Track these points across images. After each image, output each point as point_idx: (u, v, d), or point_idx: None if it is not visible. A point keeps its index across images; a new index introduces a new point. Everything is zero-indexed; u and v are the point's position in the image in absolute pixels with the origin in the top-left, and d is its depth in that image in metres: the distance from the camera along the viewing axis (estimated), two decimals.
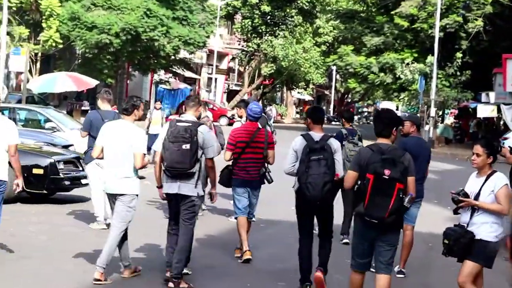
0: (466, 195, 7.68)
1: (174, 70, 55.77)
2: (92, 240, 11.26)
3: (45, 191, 14.20)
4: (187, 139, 8.56)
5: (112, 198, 9.09)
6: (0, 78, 29.55)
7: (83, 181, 14.44)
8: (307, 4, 62.08)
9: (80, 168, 14.55)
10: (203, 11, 50.30)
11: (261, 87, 72.04)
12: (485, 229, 7.67)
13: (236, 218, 10.76)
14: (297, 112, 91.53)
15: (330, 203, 8.98)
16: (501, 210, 7.65)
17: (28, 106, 22.38)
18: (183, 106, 10.38)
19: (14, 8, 40.90)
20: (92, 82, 36.15)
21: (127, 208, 8.98)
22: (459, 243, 7.65)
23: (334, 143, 8.92)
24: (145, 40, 44.39)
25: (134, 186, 9.03)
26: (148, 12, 44.12)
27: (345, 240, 11.95)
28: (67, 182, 14.21)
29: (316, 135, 8.89)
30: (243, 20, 63.78)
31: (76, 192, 15.18)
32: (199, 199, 8.90)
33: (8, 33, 38.32)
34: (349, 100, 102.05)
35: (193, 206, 8.83)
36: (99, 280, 8.79)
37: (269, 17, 63.00)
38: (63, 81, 34.97)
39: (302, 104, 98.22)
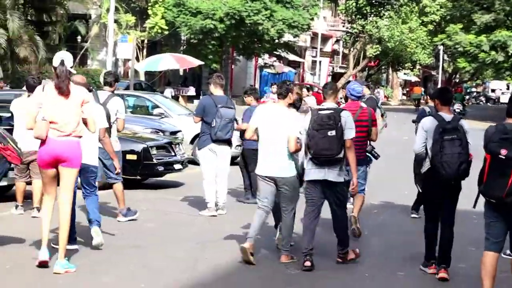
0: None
1: (278, 53, 55.55)
2: (204, 227, 11.08)
3: (138, 177, 14.14)
4: (331, 125, 8.73)
5: (270, 181, 9.10)
6: (108, 65, 29.92)
7: (176, 166, 14.41)
8: None
9: (173, 153, 14.49)
10: None
11: (366, 69, 71.03)
12: None
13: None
14: (403, 94, 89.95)
15: (460, 186, 8.72)
16: None
17: (136, 93, 22.53)
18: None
19: None
20: (195, 62, 36.48)
21: (292, 189, 9.10)
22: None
23: (465, 124, 8.74)
24: (249, 24, 44.29)
25: (293, 167, 9.09)
26: None
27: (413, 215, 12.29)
28: (160, 168, 14.14)
29: (446, 115, 8.69)
30: (347, 1, 62.76)
31: (168, 177, 15.07)
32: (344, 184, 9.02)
33: (116, 21, 38.90)
34: (457, 81, 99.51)
35: (343, 191, 9.06)
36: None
37: None
38: (167, 60, 35.49)
39: (408, 86, 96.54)
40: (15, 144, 8.57)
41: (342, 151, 8.78)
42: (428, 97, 12.43)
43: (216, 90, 12.00)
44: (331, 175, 8.85)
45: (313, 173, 8.90)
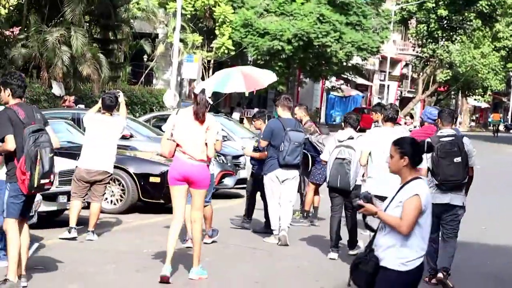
0: (370, 200, 5.80)
1: (345, 76, 54.67)
2: (266, 260, 10.22)
3: (162, 201, 13.36)
4: (456, 152, 9.02)
5: (380, 200, 8.75)
6: (172, 85, 29.40)
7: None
8: (487, 7, 59.00)
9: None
10: (377, 15, 48.86)
11: (436, 94, 69.54)
12: (391, 253, 5.65)
13: None
14: (472, 120, 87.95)
15: None
16: (397, 226, 5.61)
17: None
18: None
19: (189, 16, 41.15)
20: (264, 82, 35.72)
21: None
22: (359, 271, 5.75)
23: None
24: (317, 46, 43.55)
25: None
26: (321, 18, 43.28)
27: None
28: None
29: None
30: (418, 25, 61.58)
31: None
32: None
33: (182, 40, 38.52)
34: None
35: (459, 215, 9.31)
36: None
37: (446, 21, 60.47)
38: (235, 80, 34.79)
39: (478, 112, 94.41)
40: (39, 174, 7.66)
41: (467, 177, 9.12)
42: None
43: (284, 113, 11.54)
44: (456, 200, 9.17)
45: (438, 198, 8.98)
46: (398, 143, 5.77)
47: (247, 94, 41.84)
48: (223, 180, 15.73)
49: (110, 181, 12.65)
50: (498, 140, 54.38)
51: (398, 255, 5.57)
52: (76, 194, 10.77)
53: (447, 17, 60.04)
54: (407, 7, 60.73)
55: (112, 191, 13.04)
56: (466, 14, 59.80)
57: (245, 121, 37.45)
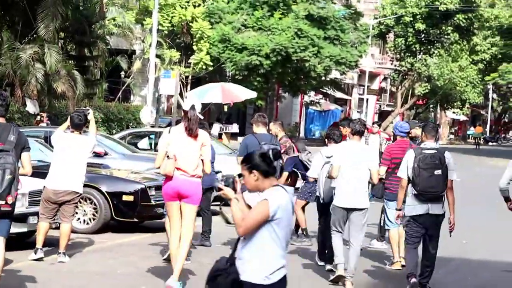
0: (232, 184, 5.47)
1: (324, 91, 54.56)
2: None
3: (135, 219, 13.06)
4: (437, 165, 9.26)
5: (346, 212, 9.77)
6: (149, 101, 29.11)
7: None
8: (464, 21, 59.21)
9: None
10: (355, 30, 48.87)
11: (414, 107, 69.65)
12: (253, 266, 5.30)
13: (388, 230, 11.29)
14: (451, 133, 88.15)
15: None
16: (237, 224, 5.31)
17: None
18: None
19: (166, 32, 40.92)
20: (241, 96, 35.73)
21: (365, 219, 9.84)
22: (217, 284, 5.34)
23: None
24: (295, 61, 43.48)
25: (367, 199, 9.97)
26: (299, 33, 43.23)
27: None
28: (160, 210, 12.93)
29: None
30: (396, 39, 61.69)
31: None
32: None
33: (159, 56, 38.26)
34: (506, 120, 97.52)
35: (440, 222, 9.48)
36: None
37: (423, 35, 60.61)
38: (213, 92, 34.87)
39: (456, 125, 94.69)
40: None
41: (445, 189, 9.34)
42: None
43: (259, 129, 11.43)
44: (435, 209, 9.34)
45: (418, 208, 9.35)
46: (243, 160, 5.45)
47: (226, 109, 41.86)
48: None
49: (82, 200, 12.42)
50: (479, 152, 54.45)
51: (261, 268, 5.25)
52: (44, 215, 10.43)
53: (424, 31, 60.20)
54: (385, 21, 60.86)
55: (84, 210, 12.70)
56: (443, 27, 60.00)
57: (223, 136, 37.28)
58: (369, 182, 10.10)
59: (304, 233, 12.86)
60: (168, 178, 8.97)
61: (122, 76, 39.09)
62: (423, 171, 9.21)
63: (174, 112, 32.05)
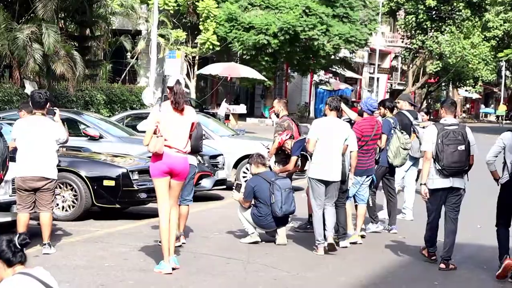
0: None
1: (334, 70, 53.81)
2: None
3: (117, 205, 12.38)
4: (461, 141, 9.51)
5: (328, 184, 10.34)
6: (151, 82, 28.42)
7: None
8: None
9: None
10: (364, 7, 48.02)
11: (426, 85, 68.79)
12: None
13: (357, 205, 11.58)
14: (463, 111, 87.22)
15: None
16: None
17: None
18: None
19: (171, 12, 40.22)
20: (243, 73, 36.50)
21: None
22: None
23: None
24: (304, 40, 42.75)
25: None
26: (307, 11, 42.50)
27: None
28: (143, 195, 12.25)
29: None
30: (407, 16, 60.78)
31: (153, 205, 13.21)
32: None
33: (163, 36, 37.54)
34: None
35: (461, 195, 9.80)
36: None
37: (434, 12, 59.70)
38: (217, 66, 35.94)
39: (469, 103, 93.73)
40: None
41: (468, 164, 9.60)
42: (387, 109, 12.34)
43: (259, 169, 11.15)
44: (457, 182, 9.64)
45: (440, 182, 9.62)
46: None
47: (235, 87, 41.15)
48: (200, 181, 14.80)
49: (62, 186, 11.80)
50: (498, 130, 53.57)
51: None
52: (21, 205, 9.78)
53: (435, 8, 59.28)
54: None
55: (64, 197, 12.02)
56: (455, 4, 59.04)
57: (231, 117, 36.60)
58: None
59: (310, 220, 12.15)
60: (158, 155, 8.88)
61: (129, 57, 38.40)
62: (446, 147, 9.44)
63: None
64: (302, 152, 11.48)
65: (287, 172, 11.42)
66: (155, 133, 8.88)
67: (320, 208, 10.43)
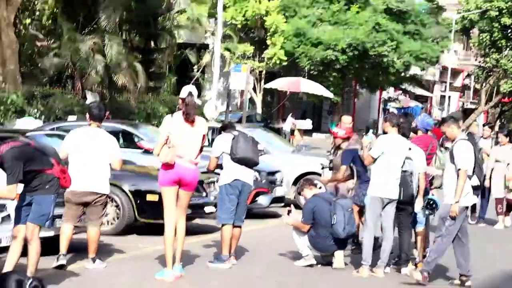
0: None
1: (404, 87, 52.89)
2: None
3: (162, 221, 11.75)
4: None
5: (385, 203, 9.84)
6: (213, 95, 28.04)
7: (207, 209, 11.97)
8: None
9: (204, 194, 12.13)
10: (437, 24, 47.05)
11: (499, 105, 67.06)
12: None
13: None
14: None
15: None
16: None
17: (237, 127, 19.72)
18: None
19: (239, 26, 39.99)
20: (305, 88, 36.35)
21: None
22: None
23: None
24: (373, 56, 42.05)
25: None
26: (377, 27, 41.92)
27: None
28: (188, 211, 11.65)
29: None
30: (481, 34, 59.34)
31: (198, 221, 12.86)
32: None
33: (229, 50, 37.27)
34: None
35: None
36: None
37: (510, 30, 58.10)
38: (282, 81, 35.78)
39: None
40: None
41: None
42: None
43: (312, 191, 10.63)
44: None
45: (473, 199, 9.58)
46: None
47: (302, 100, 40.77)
48: (256, 198, 14.25)
49: None
50: None
51: None
52: (66, 217, 9.42)
53: (511, 26, 57.71)
54: (469, 16, 58.57)
55: (106, 210, 11.57)
56: None
57: (296, 132, 36.04)
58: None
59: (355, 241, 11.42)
60: (169, 165, 8.89)
61: (195, 70, 38.22)
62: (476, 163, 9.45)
63: (244, 107, 31.05)
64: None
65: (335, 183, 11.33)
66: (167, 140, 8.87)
67: (374, 228, 9.95)
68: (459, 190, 9.16)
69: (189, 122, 8.92)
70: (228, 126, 10.60)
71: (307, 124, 39.65)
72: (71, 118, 19.39)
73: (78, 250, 9.78)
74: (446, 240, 9.32)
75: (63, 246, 9.30)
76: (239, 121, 30.14)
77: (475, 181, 9.63)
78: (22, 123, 19.22)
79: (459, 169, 9.21)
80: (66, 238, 9.33)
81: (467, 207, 9.49)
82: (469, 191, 9.34)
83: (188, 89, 9.14)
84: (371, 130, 12.14)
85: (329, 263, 10.33)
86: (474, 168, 9.41)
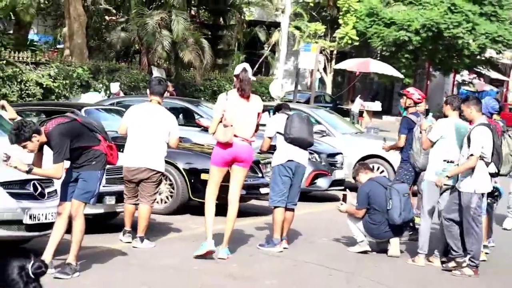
0: None
1: (478, 70, 51.67)
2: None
3: (216, 201, 11.46)
4: None
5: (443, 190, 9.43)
6: (280, 74, 27.74)
7: (263, 190, 11.64)
8: None
9: (259, 175, 11.87)
10: None
11: None
12: None
13: None
14: None
15: None
16: None
17: (299, 107, 19.37)
18: None
19: (311, 4, 39.53)
20: (375, 69, 35.61)
21: None
22: None
23: None
24: (447, 38, 41.16)
25: None
26: (452, 8, 40.96)
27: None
28: (242, 191, 11.30)
29: None
30: None
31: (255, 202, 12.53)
32: None
33: (299, 28, 36.87)
34: None
35: None
36: None
37: None
38: (351, 61, 35.34)
39: None
40: None
41: None
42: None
43: (367, 176, 10.18)
44: None
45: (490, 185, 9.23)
46: None
47: (357, 72, 40.34)
48: (315, 181, 13.96)
49: None
50: None
51: None
52: (126, 195, 9.44)
53: None
54: None
55: (159, 188, 11.42)
56: None
57: (365, 114, 35.53)
58: None
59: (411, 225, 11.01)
60: (224, 144, 8.79)
61: (266, 48, 37.93)
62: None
63: (313, 87, 30.70)
64: None
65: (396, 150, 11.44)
66: (221, 121, 8.73)
67: (431, 216, 9.52)
68: (459, 169, 8.94)
69: (245, 97, 8.81)
70: (283, 106, 10.40)
71: (376, 106, 39.07)
72: (114, 85, 19.37)
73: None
74: (478, 229, 9.00)
75: (127, 223, 9.41)
76: (307, 101, 29.80)
77: (493, 168, 9.15)
78: (87, 97, 19.33)
79: (471, 154, 8.79)
80: (128, 215, 9.42)
81: (483, 194, 9.11)
82: (486, 178, 8.98)
83: (242, 65, 9.05)
84: (431, 113, 11.54)
85: (384, 250, 10.01)
86: (492, 155, 8.99)
